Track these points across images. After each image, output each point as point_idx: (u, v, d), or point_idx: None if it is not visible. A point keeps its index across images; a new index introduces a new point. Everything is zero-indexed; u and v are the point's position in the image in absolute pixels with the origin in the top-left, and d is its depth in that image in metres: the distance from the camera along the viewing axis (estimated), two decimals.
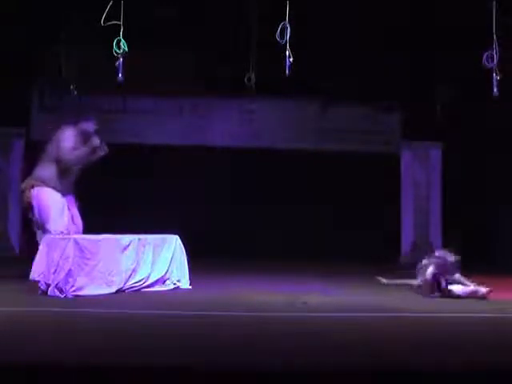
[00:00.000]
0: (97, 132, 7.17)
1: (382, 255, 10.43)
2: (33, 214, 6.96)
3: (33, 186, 6.94)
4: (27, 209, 7.00)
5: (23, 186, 7.05)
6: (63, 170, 6.96)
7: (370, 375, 3.73)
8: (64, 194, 7.04)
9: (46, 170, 6.96)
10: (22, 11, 9.18)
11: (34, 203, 6.89)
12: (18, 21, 9.43)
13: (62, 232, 6.79)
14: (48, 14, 9.08)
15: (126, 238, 6.88)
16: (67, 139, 6.96)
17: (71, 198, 7.17)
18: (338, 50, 9.97)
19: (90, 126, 7.13)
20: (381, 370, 3.80)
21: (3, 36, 9.48)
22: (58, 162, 6.92)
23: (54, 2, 8.88)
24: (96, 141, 7.07)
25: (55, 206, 6.88)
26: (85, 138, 7.09)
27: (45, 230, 6.84)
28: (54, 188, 6.94)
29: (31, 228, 7.09)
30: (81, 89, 9.56)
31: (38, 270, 6.46)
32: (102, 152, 7.21)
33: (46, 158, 7.02)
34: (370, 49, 10.19)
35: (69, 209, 7.05)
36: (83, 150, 7.02)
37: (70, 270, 6.29)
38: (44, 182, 6.92)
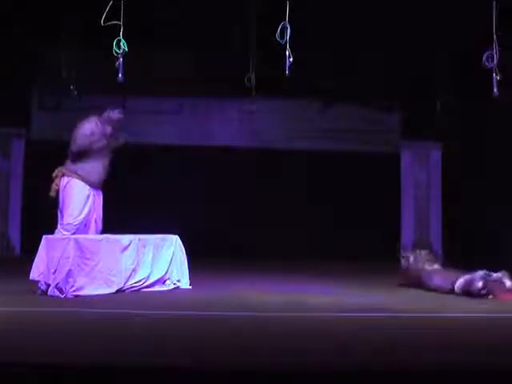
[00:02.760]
0: (121, 121, 7.15)
1: (381, 255, 10.44)
2: (58, 203, 6.96)
3: (64, 175, 6.95)
4: (55, 197, 6.97)
5: (55, 173, 7.02)
6: (78, 156, 6.94)
7: (370, 375, 3.73)
8: (95, 187, 7.03)
9: (76, 159, 6.97)
10: (22, 11, 9.18)
11: (61, 192, 6.90)
12: (17, 21, 9.43)
13: (72, 224, 6.79)
14: (48, 13, 9.08)
15: (125, 238, 6.88)
16: (85, 127, 6.95)
17: (99, 193, 7.16)
18: (338, 49, 9.97)
19: (115, 114, 7.11)
20: (381, 370, 3.80)
21: (3, 36, 9.49)
22: (73, 146, 6.93)
23: (53, 1, 8.88)
24: (109, 129, 7.05)
25: (77, 201, 6.87)
26: (108, 125, 7.07)
27: (61, 219, 6.87)
28: (86, 178, 6.92)
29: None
30: (81, 89, 9.57)
31: (38, 270, 6.46)
32: (121, 140, 7.21)
33: (70, 150, 7.03)
34: (370, 49, 10.20)
35: (93, 206, 7.04)
36: (97, 137, 6.98)
37: (69, 270, 6.30)
38: (75, 172, 6.92)
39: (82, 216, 6.87)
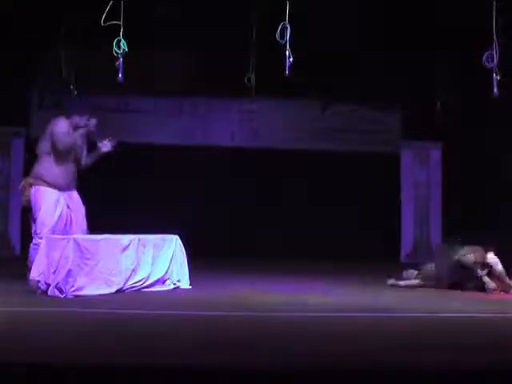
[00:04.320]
0: (90, 128, 7.15)
1: (381, 255, 10.45)
2: (30, 213, 6.98)
3: (31, 185, 6.96)
4: (27, 208, 7.01)
5: (22, 184, 7.07)
6: (60, 158, 6.95)
7: (370, 375, 3.73)
8: (64, 190, 7.04)
9: (44, 164, 6.97)
10: (22, 11, 9.18)
11: (32, 202, 6.92)
12: (17, 20, 9.44)
13: (45, 231, 6.79)
14: (48, 13, 9.08)
15: (125, 238, 6.88)
16: (60, 126, 6.97)
17: (72, 195, 7.15)
18: (338, 49, 9.97)
19: (81, 120, 7.09)
20: (381, 370, 3.80)
21: (3, 36, 9.49)
22: (54, 149, 6.93)
23: (53, 1, 8.89)
24: (83, 120, 7.06)
25: (47, 208, 6.88)
26: (75, 131, 7.09)
27: (35, 228, 6.87)
28: (53, 183, 6.93)
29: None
30: (81, 89, 9.57)
31: (38, 269, 6.45)
32: (108, 147, 7.24)
33: (41, 152, 7.02)
34: (370, 49, 10.20)
35: (68, 207, 7.04)
36: (77, 134, 7.01)
37: (69, 270, 6.29)
38: (42, 179, 6.92)
39: (54, 220, 6.87)
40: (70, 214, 7.04)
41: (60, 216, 6.93)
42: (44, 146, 7.02)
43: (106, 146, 7.29)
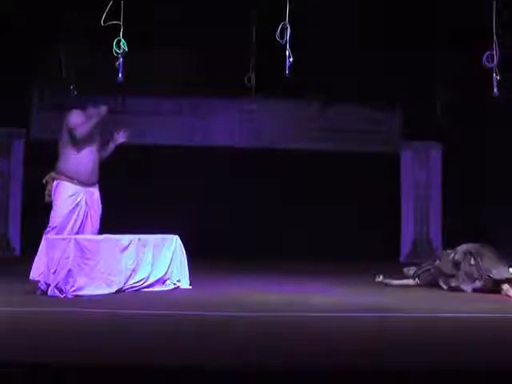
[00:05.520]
0: (104, 116, 7.16)
1: (381, 255, 10.44)
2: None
3: (54, 179, 6.97)
4: (48, 203, 7.00)
5: (45, 179, 7.04)
6: (78, 149, 6.95)
7: (370, 375, 3.73)
8: (86, 185, 7.03)
9: (65, 159, 6.96)
10: (22, 11, 9.19)
11: (52, 196, 6.93)
12: (17, 21, 9.45)
13: (57, 224, 6.80)
14: (47, 13, 9.09)
15: (125, 238, 6.88)
16: (74, 117, 6.98)
17: (94, 193, 7.13)
18: (337, 49, 9.98)
19: (95, 110, 7.09)
20: (381, 370, 3.80)
21: (3, 36, 9.50)
22: (71, 141, 6.93)
23: (53, 1, 8.89)
24: (97, 110, 7.08)
25: (61, 201, 6.88)
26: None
27: (48, 225, 6.88)
28: (76, 178, 6.93)
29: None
30: (81, 89, 9.58)
31: (38, 269, 6.47)
32: (124, 138, 7.38)
33: (62, 148, 7.03)
34: (370, 49, 10.21)
35: (87, 204, 7.03)
36: (91, 123, 7.01)
37: (69, 270, 6.29)
38: (64, 174, 6.92)
39: (65, 213, 6.86)
40: (88, 212, 7.03)
41: (74, 209, 6.91)
42: (62, 141, 7.03)
43: (121, 136, 7.39)
